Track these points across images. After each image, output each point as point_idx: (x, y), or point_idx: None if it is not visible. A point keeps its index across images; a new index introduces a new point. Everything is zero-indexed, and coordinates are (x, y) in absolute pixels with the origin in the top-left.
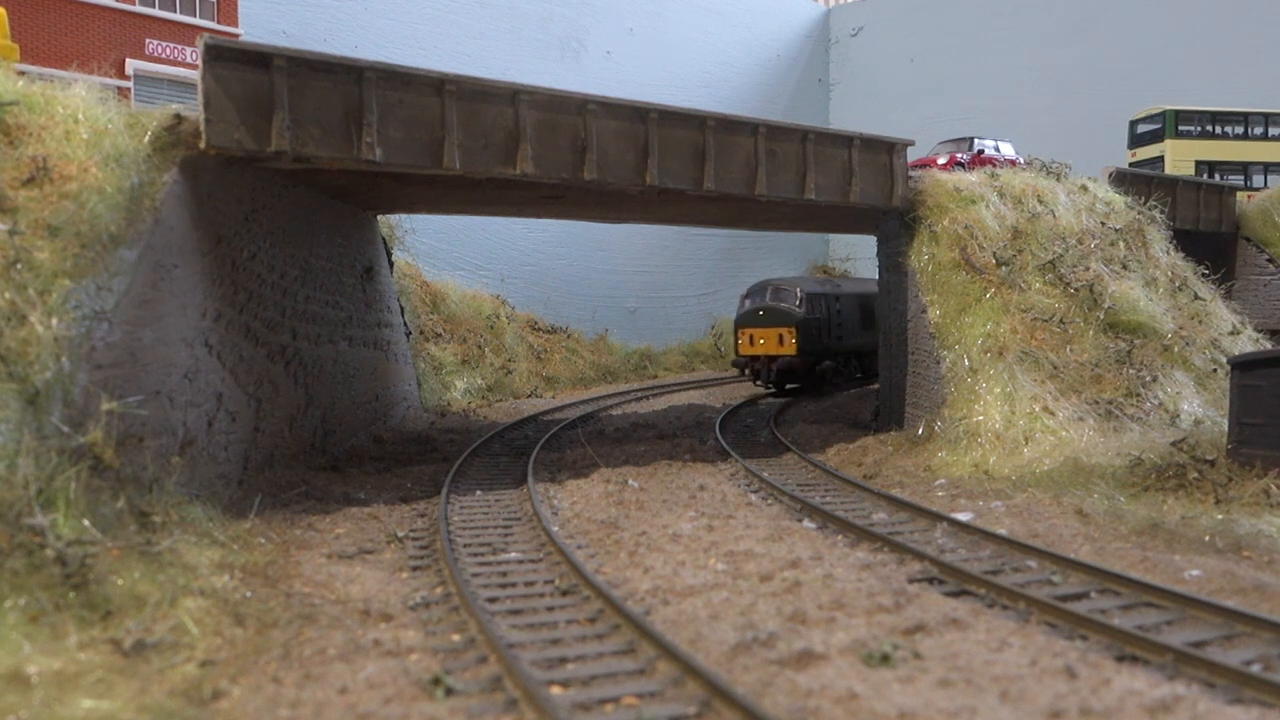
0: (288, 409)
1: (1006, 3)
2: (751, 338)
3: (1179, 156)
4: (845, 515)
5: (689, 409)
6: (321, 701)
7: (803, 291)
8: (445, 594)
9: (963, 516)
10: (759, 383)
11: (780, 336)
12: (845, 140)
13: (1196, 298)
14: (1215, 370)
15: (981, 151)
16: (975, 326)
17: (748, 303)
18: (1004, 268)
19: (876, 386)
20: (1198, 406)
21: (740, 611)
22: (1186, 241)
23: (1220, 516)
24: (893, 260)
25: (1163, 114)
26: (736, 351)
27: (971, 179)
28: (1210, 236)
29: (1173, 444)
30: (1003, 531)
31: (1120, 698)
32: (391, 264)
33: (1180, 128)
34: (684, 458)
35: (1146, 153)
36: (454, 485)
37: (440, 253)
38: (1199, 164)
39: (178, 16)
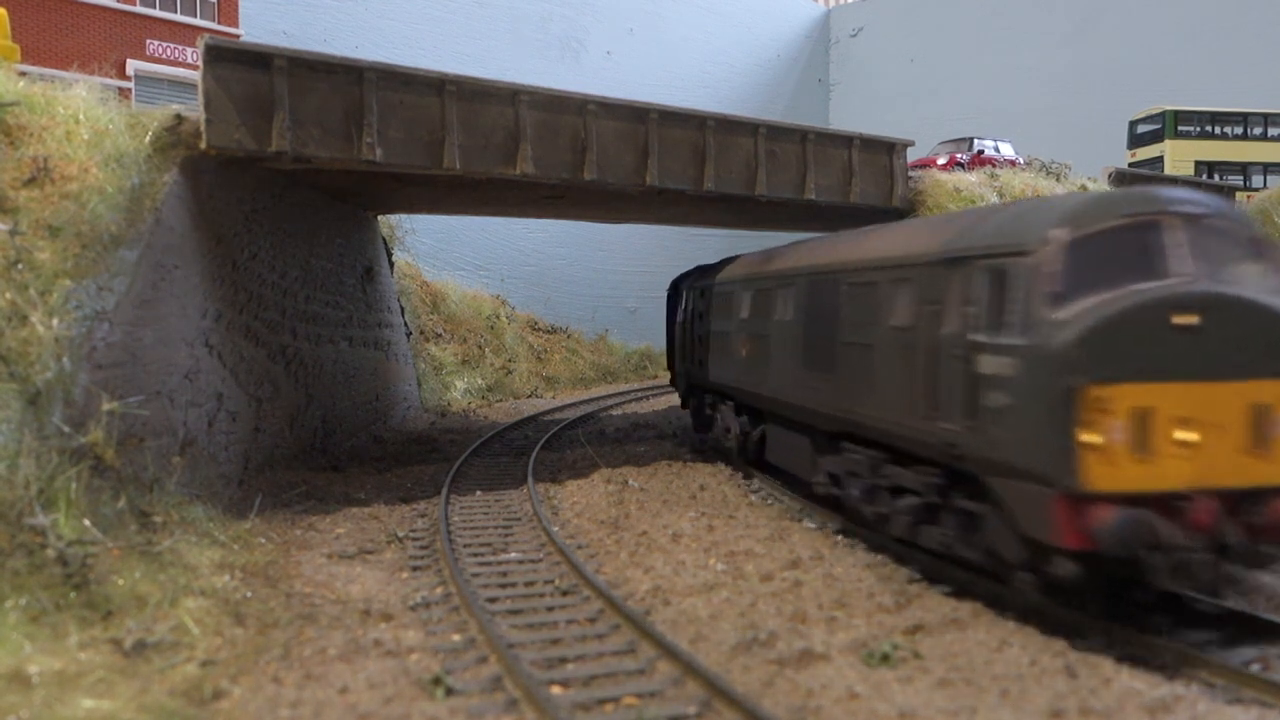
0: (288, 409)
1: (1006, 3)
2: (1147, 423)
3: (1179, 157)
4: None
5: None
6: (322, 701)
7: None
8: (445, 594)
9: None
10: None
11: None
12: (845, 140)
13: None
14: None
15: (981, 151)
16: None
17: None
18: None
19: None
20: None
21: (741, 611)
22: None
23: None
24: None
25: (1162, 114)
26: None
27: (971, 179)
28: None
29: None
30: None
31: (1120, 698)
32: (392, 264)
33: (1180, 128)
34: (684, 458)
35: (1146, 153)
36: (454, 485)
37: (440, 253)
38: (1199, 164)
39: (178, 17)
